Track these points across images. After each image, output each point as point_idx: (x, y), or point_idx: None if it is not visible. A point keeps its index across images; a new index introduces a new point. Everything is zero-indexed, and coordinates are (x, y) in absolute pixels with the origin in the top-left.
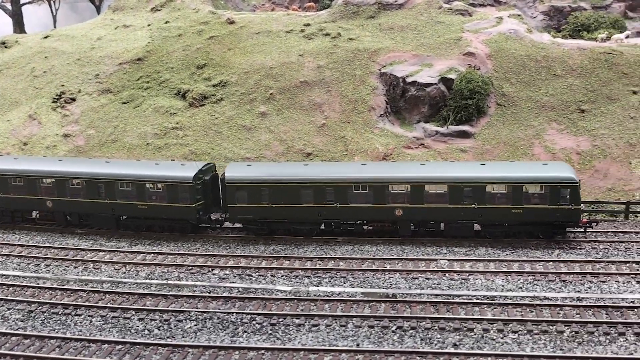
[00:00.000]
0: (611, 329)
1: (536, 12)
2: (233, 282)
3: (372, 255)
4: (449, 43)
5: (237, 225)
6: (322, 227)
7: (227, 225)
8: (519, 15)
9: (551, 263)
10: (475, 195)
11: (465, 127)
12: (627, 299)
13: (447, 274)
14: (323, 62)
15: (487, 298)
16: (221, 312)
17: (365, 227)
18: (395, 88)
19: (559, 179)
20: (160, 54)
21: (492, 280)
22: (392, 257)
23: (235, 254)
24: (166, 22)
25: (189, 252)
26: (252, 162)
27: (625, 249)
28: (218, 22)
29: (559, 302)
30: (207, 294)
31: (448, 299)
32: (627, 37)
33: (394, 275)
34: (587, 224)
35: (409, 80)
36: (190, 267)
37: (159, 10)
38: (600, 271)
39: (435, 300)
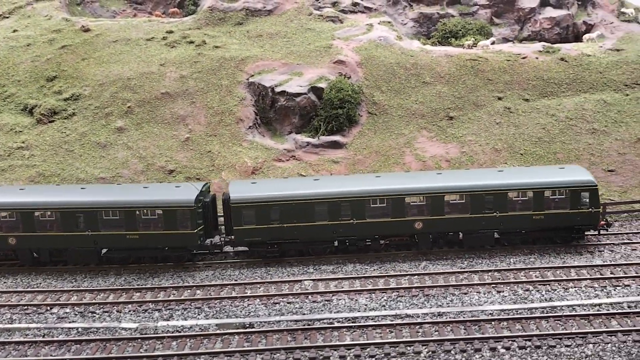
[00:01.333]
0: (467, 345)
1: (406, 19)
2: (73, 322)
3: (233, 280)
4: (320, 51)
5: (241, 248)
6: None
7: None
8: (389, 22)
9: (417, 277)
10: (497, 203)
11: (337, 137)
12: (486, 310)
13: (310, 296)
14: (186, 72)
15: (349, 320)
16: None
17: (382, 242)
18: (264, 98)
19: (579, 183)
20: (5, 66)
21: (356, 300)
22: (254, 280)
23: (80, 287)
24: (14, 31)
25: (27, 290)
26: (251, 179)
27: (490, 256)
28: (72, 30)
29: (419, 320)
30: (41, 338)
31: (308, 324)
32: (492, 43)
33: (254, 302)
34: (605, 226)
35: (278, 90)
36: (26, 307)
37: (7, 17)
38: (462, 282)
39: (295, 327)
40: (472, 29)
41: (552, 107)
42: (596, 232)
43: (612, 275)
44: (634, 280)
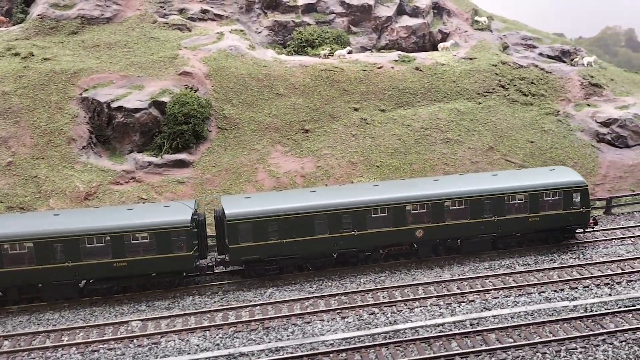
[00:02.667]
0: None
1: (261, 27)
2: None
3: (51, 326)
4: (164, 62)
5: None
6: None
7: None
8: (242, 30)
9: (259, 307)
10: (495, 207)
11: (183, 156)
12: (327, 341)
13: (135, 340)
14: (9, 88)
15: None
16: None
17: (381, 251)
18: (99, 115)
19: (571, 184)
20: None
21: (187, 340)
22: (75, 325)
23: None
24: None
25: None
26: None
27: (340, 278)
28: None
29: (253, 359)
30: None
31: None
32: (349, 52)
33: (68, 352)
34: (593, 224)
35: (114, 105)
36: None
37: None
38: (307, 310)
39: None
40: (329, 38)
41: (407, 117)
42: (582, 231)
43: (458, 291)
44: (478, 294)
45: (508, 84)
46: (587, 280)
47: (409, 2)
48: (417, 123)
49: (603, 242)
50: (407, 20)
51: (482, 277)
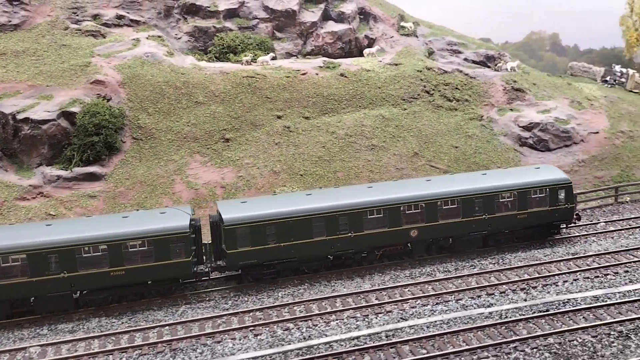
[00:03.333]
0: None
1: (180, 33)
2: None
3: None
4: (75, 70)
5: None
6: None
7: None
8: (159, 36)
9: (169, 327)
10: (485, 205)
11: (94, 168)
12: None
13: None
14: None
15: None
16: None
17: (377, 252)
18: (4, 127)
19: (556, 181)
20: None
21: None
22: None
23: None
24: None
25: None
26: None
27: (257, 292)
28: None
29: None
30: None
31: None
32: (272, 59)
33: None
34: (577, 219)
35: (21, 116)
36: None
37: None
38: (219, 329)
39: None
40: (252, 43)
41: (332, 125)
42: (564, 226)
43: (376, 302)
44: (395, 304)
45: (433, 90)
46: (504, 286)
47: (335, 8)
48: (341, 130)
49: (522, 246)
50: (332, 26)
51: (401, 286)
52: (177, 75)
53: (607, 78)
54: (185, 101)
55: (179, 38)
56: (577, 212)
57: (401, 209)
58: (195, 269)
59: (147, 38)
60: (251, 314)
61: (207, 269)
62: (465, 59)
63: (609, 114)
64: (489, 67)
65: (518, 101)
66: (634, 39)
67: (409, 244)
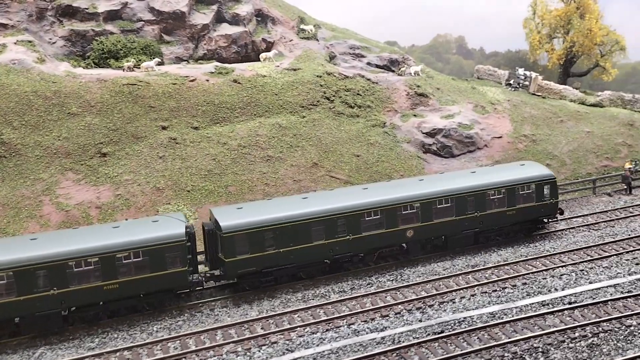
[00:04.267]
0: None
1: (55, 37)
2: None
3: None
4: None
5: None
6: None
7: None
8: (30, 41)
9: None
10: (477, 203)
11: None
12: None
13: None
14: None
15: None
16: None
17: (375, 253)
18: None
19: (542, 177)
20: None
21: None
22: None
23: None
24: None
25: None
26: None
27: (130, 327)
28: None
29: None
30: None
31: None
32: (158, 64)
33: None
34: (560, 213)
35: None
36: None
37: None
38: None
39: None
40: (136, 48)
41: (224, 135)
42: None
43: (261, 332)
44: (282, 334)
45: (333, 96)
46: (400, 306)
47: (229, 9)
48: (234, 141)
49: (422, 259)
50: (226, 29)
51: (290, 312)
52: (48, 84)
53: (511, 81)
54: (56, 113)
55: (54, 43)
56: (560, 208)
57: (398, 209)
58: (191, 278)
59: (15, 43)
60: (117, 354)
61: (201, 278)
62: (369, 63)
63: (512, 118)
64: (393, 71)
65: (422, 106)
66: (537, 41)
67: (404, 245)
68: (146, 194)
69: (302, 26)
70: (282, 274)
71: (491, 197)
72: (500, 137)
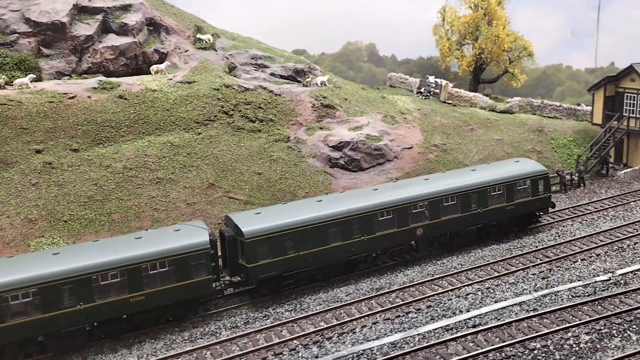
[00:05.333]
0: None
1: None
2: None
3: None
4: None
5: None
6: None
7: None
8: None
9: None
10: (480, 199)
11: None
12: None
13: None
14: None
15: None
16: None
17: (387, 253)
18: None
19: (536, 172)
20: None
21: None
22: None
23: None
24: None
25: None
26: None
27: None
28: None
29: None
30: None
31: None
32: (34, 80)
33: None
34: (552, 206)
35: None
36: None
37: None
38: None
39: None
40: (9, 63)
41: (107, 157)
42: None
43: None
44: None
45: (232, 110)
46: (295, 341)
47: (116, 19)
48: (119, 163)
49: (325, 285)
50: (113, 40)
51: (183, 353)
52: None
53: (422, 89)
54: None
55: None
56: (552, 202)
57: (408, 208)
58: (215, 286)
59: None
60: None
61: (222, 286)
62: (272, 74)
63: (422, 128)
64: (299, 81)
65: (328, 118)
66: (447, 48)
67: (413, 243)
68: (16, 227)
69: (199, 35)
70: (301, 276)
71: (492, 193)
72: (411, 147)
